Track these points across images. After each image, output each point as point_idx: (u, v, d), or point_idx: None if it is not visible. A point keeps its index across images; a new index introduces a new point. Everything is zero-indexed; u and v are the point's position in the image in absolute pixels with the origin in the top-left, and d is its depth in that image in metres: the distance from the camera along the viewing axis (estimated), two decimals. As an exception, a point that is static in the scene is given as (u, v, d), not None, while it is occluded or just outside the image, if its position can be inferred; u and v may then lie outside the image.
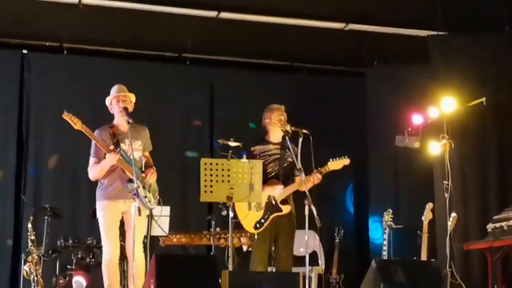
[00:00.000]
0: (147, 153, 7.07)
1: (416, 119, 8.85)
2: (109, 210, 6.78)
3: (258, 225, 7.19)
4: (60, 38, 9.45)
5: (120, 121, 6.88)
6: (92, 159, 6.83)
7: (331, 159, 7.22)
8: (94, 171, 6.79)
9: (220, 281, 6.13)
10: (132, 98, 6.94)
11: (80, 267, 8.28)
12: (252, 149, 7.35)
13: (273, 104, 7.48)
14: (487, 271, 8.28)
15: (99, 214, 6.83)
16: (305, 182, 6.81)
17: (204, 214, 9.11)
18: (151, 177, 6.89)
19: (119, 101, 6.85)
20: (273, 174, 7.27)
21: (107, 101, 6.92)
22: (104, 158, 6.76)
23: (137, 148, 6.75)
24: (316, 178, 7.04)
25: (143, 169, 6.94)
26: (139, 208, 6.26)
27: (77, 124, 6.62)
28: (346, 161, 7.26)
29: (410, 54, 9.47)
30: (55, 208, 8.47)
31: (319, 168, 7.10)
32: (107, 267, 6.72)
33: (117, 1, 8.56)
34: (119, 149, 6.73)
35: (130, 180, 6.64)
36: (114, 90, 6.91)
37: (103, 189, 6.83)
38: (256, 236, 7.22)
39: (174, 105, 10.00)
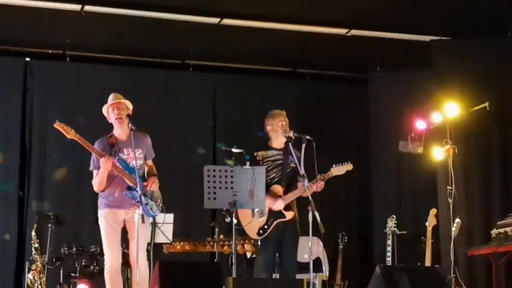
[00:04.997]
0: (150, 162, 7.05)
1: (420, 125, 8.84)
2: (110, 218, 6.78)
3: (261, 232, 7.17)
4: (63, 46, 9.47)
5: (119, 130, 6.87)
6: (94, 172, 6.84)
7: (334, 165, 7.20)
8: (95, 182, 6.81)
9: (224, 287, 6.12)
10: (129, 105, 6.93)
11: (83, 275, 8.27)
12: (255, 154, 7.34)
13: (274, 110, 7.46)
14: (491, 277, 8.25)
15: (101, 222, 6.83)
16: (308, 188, 6.80)
17: (207, 221, 9.10)
18: (153, 186, 6.87)
19: (114, 109, 6.84)
20: (275, 180, 7.26)
21: (104, 111, 6.91)
22: None
23: (137, 156, 6.74)
24: (318, 185, 7.02)
25: (146, 177, 6.93)
26: (142, 216, 6.27)
27: (70, 133, 6.62)
28: (349, 166, 7.24)
29: (413, 60, 9.46)
30: (58, 216, 8.47)
31: (322, 174, 7.08)
32: (109, 275, 6.72)
33: (120, 8, 8.56)
34: (117, 157, 6.73)
35: (130, 188, 6.65)
36: (109, 99, 6.92)
37: (104, 197, 6.84)
38: (259, 243, 7.20)
39: (177, 111, 10.01)
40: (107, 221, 6.78)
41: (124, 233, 6.89)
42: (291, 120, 7.41)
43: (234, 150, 7.26)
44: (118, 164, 6.72)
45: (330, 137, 9.49)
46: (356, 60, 10.20)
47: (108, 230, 6.77)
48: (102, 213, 6.82)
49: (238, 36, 9.30)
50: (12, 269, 9.07)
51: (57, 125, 6.64)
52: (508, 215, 8.14)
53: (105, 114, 6.92)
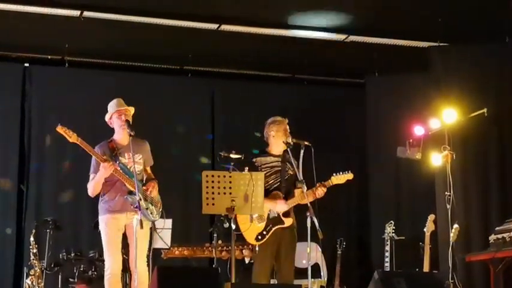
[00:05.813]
0: (148, 169, 7.04)
1: (418, 130, 8.85)
2: (111, 223, 6.76)
3: (259, 237, 7.17)
4: (62, 51, 9.47)
5: (121, 135, 6.85)
6: (91, 176, 6.82)
7: (334, 174, 7.19)
8: (90, 186, 6.78)
9: (222, 293, 6.13)
10: (132, 111, 6.93)
11: (82, 280, 8.27)
12: (254, 160, 7.33)
13: (277, 117, 7.42)
14: (489, 282, 8.25)
15: (101, 228, 6.81)
16: (307, 195, 6.80)
17: (206, 226, 9.10)
18: (153, 191, 6.86)
19: (121, 115, 6.81)
20: (274, 186, 7.25)
21: (107, 116, 6.89)
22: None
23: (137, 161, 6.73)
24: (319, 192, 7.02)
25: (144, 182, 6.92)
26: (141, 221, 6.25)
27: (72, 137, 6.58)
28: (349, 175, 7.23)
29: (412, 65, 9.48)
30: (57, 221, 8.47)
31: (322, 183, 7.08)
32: (109, 281, 6.70)
33: (118, 14, 8.56)
34: (118, 162, 6.72)
35: (131, 193, 6.64)
36: (114, 104, 6.87)
37: (105, 203, 6.81)
38: (257, 248, 7.20)
39: (176, 117, 10.02)
40: (108, 226, 6.75)
41: (124, 238, 6.88)
42: (289, 125, 7.41)
43: (232, 155, 7.25)
44: (118, 169, 6.71)
45: (328, 142, 9.50)
46: (354, 66, 10.21)
47: (109, 235, 6.75)
48: (103, 219, 6.79)
49: (237, 42, 9.31)
50: (10, 274, 9.05)
51: (60, 129, 6.61)
52: (506, 221, 8.13)
53: (107, 119, 6.91)
